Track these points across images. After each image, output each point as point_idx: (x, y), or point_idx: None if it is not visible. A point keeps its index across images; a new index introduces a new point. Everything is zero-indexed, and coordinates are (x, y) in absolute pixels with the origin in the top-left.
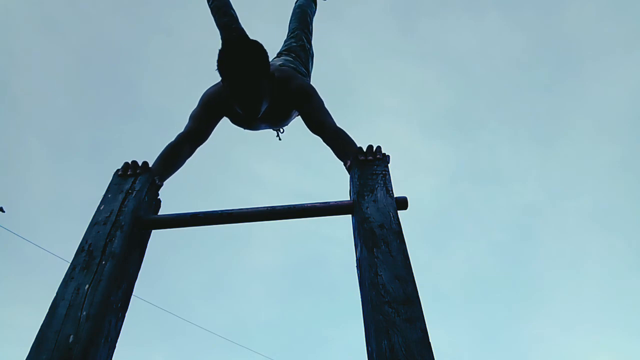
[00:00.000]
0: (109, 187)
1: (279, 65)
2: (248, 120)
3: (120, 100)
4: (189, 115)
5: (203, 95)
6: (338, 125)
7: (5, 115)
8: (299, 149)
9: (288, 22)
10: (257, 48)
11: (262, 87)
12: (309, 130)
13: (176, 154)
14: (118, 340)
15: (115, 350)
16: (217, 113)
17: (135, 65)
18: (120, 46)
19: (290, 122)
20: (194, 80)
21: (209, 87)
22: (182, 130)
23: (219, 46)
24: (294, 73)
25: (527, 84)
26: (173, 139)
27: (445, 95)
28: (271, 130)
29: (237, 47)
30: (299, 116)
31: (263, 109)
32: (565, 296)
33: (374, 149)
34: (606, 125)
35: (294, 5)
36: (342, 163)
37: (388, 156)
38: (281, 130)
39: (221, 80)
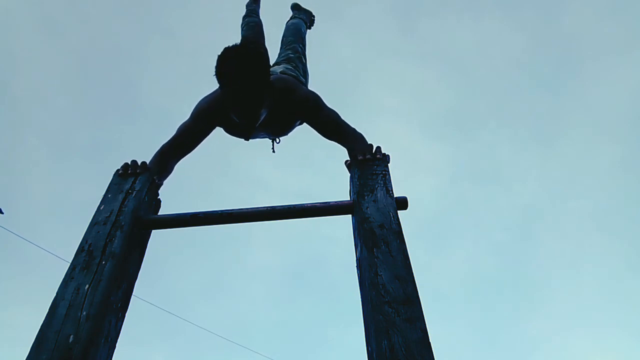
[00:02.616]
0: (109, 187)
1: (280, 72)
2: (245, 130)
3: (120, 100)
4: (179, 126)
5: (196, 107)
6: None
7: (5, 115)
8: (299, 149)
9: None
10: (258, 55)
11: (261, 96)
12: (310, 132)
13: (164, 161)
14: (118, 340)
15: (115, 350)
16: (209, 125)
17: (135, 65)
18: (120, 46)
19: (290, 132)
20: (194, 81)
21: (203, 96)
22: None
23: (220, 48)
24: (296, 83)
25: (527, 84)
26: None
27: (445, 95)
28: (267, 139)
29: (237, 54)
30: (302, 124)
31: (261, 118)
32: (565, 296)
33: (374, 149)
34: (606, 125)
35: (286, 23)
36: (344, 162)
37: (388, 156)
38: (277, 140)
39: (219, 87)
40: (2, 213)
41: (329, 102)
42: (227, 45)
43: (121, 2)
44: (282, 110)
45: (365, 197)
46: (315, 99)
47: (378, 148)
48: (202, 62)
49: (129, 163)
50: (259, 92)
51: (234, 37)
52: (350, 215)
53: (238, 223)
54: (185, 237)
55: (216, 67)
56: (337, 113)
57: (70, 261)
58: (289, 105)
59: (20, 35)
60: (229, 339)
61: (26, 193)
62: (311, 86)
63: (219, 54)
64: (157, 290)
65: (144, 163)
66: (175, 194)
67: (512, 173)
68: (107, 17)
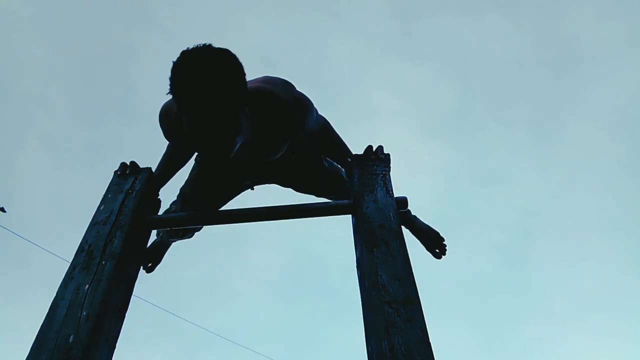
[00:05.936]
0: (109, 187)
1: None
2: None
3: (120, 101)
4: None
5: (161, 123)
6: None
7: (5, 115)
8: None
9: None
10: (227, 62)
11: (235, 119)
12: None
13: (168, 175)
14: (118, 340)
15: (115, 350)
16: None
17: (135, 66)
18: (120, 47)
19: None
20: None
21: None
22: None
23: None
24: (279, 90)
25: (527, 84)
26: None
27: (445, 95)
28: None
29: (197, 64)
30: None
31: (236, 148)
32: (566, 297)
33: (374, 149)
34: (606, 125)
35: None
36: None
37: (388, 154)
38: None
39: (176, 109)
40: (5, 211)
41: (329, 103)
42: (184, 51)
43: (121, 2)
44: (265, 129)
45: (365, 197)
46: (320, 129)
47: (380, 148)
48: None
49: (126, 164)
50: (232, 117)
51: (235, 37)
52: (350, 215)
53: (238, 223)
54: None
55: (170, 80)
56: (321, 119)
57: (70, 261)
58: (277, 128)
59: (20, 35)
60: (229, 339)
61: (26, 193)
62: (312, 87)
63: (175, 60)
64: (157, 290)
65: (132, 162)
66: (175, 194)
67: (511, 173)
68: (107, 17)
